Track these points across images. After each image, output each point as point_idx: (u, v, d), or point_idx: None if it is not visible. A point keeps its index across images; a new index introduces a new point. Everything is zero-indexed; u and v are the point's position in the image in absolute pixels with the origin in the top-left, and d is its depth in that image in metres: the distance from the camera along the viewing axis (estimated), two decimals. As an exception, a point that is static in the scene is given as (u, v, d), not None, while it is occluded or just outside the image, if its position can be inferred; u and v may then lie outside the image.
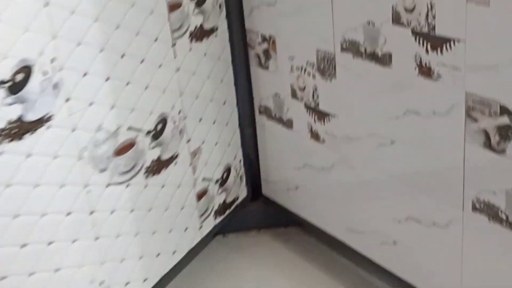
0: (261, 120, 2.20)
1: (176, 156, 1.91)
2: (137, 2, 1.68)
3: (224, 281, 2.14)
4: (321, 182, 2.04)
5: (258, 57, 2.09)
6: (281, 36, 1.96)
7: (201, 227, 2.08)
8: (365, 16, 1.64)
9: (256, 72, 2.13)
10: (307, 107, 1.96)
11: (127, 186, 1.74)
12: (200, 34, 1.93)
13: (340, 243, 2.05)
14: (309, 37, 1.85)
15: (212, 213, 2.14)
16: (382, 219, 1.84)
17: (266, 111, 2.16)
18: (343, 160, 1.90)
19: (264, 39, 2.03)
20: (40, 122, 1.46)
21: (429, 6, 1.46)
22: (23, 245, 1.47)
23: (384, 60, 1.63)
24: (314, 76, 1.89)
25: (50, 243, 1.54)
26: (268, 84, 2.10)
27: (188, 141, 1.95)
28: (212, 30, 1.99)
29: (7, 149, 1.39)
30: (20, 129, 1.41)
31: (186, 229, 2.02)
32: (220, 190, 2.15)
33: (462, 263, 1.64)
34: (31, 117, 1.44)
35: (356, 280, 2.08)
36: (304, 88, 1.95)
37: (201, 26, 1.93)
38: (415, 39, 1.53)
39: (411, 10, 1.52)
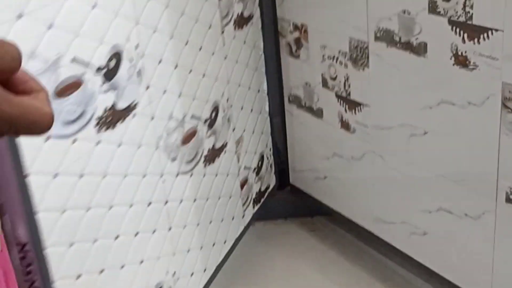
0: (290, 109, 2.20)
1: (226, 144, 1.93)
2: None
3: (251, 269, 2.14)
4: (350, 172, 2.04)
5: (289, 45, 2.09)
6: (313, 24, 1.96)
7: (243, 215, 2.10)
8: (400, 5, 1.64)
9: (286, 60, 2.13)
10: (338, 96, 1.96)
11: (191, 175, 1.75)
12: (241, 21, 1.94)
13: (368, 233, 2.05)
14: (342, 26, 1.84)
15: (251, 202, 2.16)
16: (412, 210, 1.84)
17: (295, 100, 2.16)
18: (373, 150, 1.90)
19: (296, 27, 2.03)
20: (128, 110, 1.45)
21: (467, -4, 1.46)
22: (117, 237, 1.46)
23: (419, 49, 1.63)
24: (346, 65, 1.89)
25: (136, 234, 1.53)
26: (298, 73, 2.10)
27: (234, 129, 1.97)
28: (250, 18, 2.00)
29: (104, 138, 1.37)
30: (114, 117, 1.39)
31: (233, 218, 2.04)
32: (256, 179, 2.16)
33: (494, 255, 1.64)
34: (121, 105, 1.42)
35: (384, 271, 2.08)
36: (336, 77, 1.95)
37: (241, 13, 1.94)
38: (452, 28, 1.53)
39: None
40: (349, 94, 1.92)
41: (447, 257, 1.80)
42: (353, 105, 1.92)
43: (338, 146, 2.06)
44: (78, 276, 1.32)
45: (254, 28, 2.03)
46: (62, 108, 1.23)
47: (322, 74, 2.00)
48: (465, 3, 1.47)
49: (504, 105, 1.48)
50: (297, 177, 2.31)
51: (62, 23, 1.20)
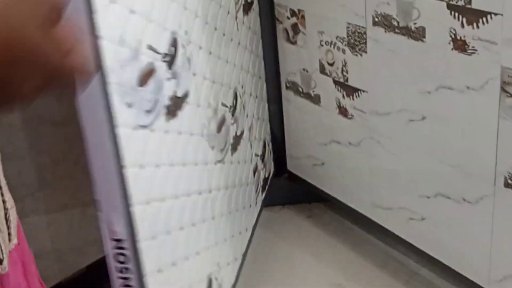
0: (287, 95, 2.19)
1: (243, 131, 1.93)
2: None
3: (250, 255, 2.14)
4: (348, 158, 2.04)
5: (286, 31, 2.07)
6: (310, 10, 1.95)
7: (256, 203, 2.11)
8: (399, -11, 1.62)
9: (283, 47, 2.12)
10: (336, 82, 1.95)
11: (223, 163, 1.74)
12: (246, 7, 1.94)
13: (366, 219, 2.06)
14: (339, 11, 1.84)
15: (261, 189, 2.17)
16: (410, 195, 1.84)
17: (293, 87, 2.15)
18: (371, 136, 1.90)
19: (293, 13, 2.02)
20: (184, 98, 1.42)
21: (467, -21, 1.44)
22: (181, 228, 1.44)
23: (418, 34, 1.62)
24: (343, 51, 1.88)
25: (193, 225, 1.52)
26: (295, 59, 2.09)
27: (247, 116, 1.96)
28: (252, 3, 1.98)
29: (170, 127, 1.35)
30: (175, 106, 1.37)
31: (250, 205, 2.05)
32: (262, 166, 2.16)
33: (492, 240, 1.65)
34: (180, 93, 1.40)
35: (382, 257, 2.09)
36: (333, 63, 1.94)
37: None
38: (450, 12, 1.52)
39: (447, -17, 1.50)
40: (346, 80, 1.91)
41: (445, 242, 1.80)
42: (351, 91, 1.91)
43: (335, 132, 2.05)
44: (159, 270, 1.31)
45: (255, 13, 2.02)
46: (143, 96, 1.21)
47: (319, 60, 1.99)
48: (464, -14, 1.46)
49: (503, 90, 1.48)
50: (295, 164, 2.31)
51: (139, 9, 1.19)
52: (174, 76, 1.36)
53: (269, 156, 2.26)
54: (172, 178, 1.37)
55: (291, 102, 2.20)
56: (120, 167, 1.15)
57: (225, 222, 1.77)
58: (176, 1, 1.37)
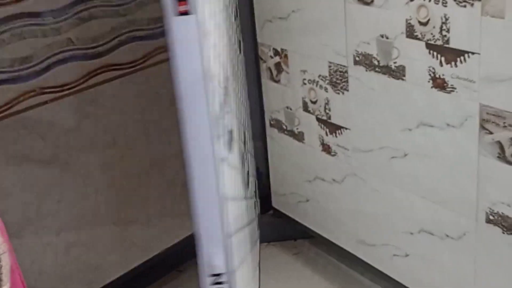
0: (272, 133, 2.21)
1: (249, 167, 1.97)
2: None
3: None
4: (332, 195, 2.04)
5: (270, 70, 2.10)
6: (293, 49, 1.98)
7: (257, 239, 2.09)
8: (378, 30, 1.66)
9: (267, 85, 2.14)
10: (319, 120, 1.97)
11: (246, 198, 1.78)
12: (240, 46, 1.98)
13: (350, 255, 2.05)
14: (321, 50, 1.86)
15: (258, 225, 2.18)
16: (394, 232, 1.85)
17: (277, 124, 2.16)
18: (354, 173, 1.91)
19: (276, 52, 2.04)
20: (232, 132, 1.45)
21: (444, 19, 1.47)
22: (241, 262, 1.44)
23: (398, 73, 1.64)
24: (326, 89, 1.89)
25: (245, 260, 1.54)
26: (279, 97, 2.11)
27: (250, 153, 1.98)
28: (240, 43, 2.01)
29: (231, 161, 1.37)
30: (231, 139, 1.40)
31: (256, 241, 2.07)
32: (256, 203, 2.16)
33: (475, 275, 1.64)
34: (231, 127, 1.43)
35: (367, 293, 2.08)
36: (316, 101, 1.95)
37: (239, 38, 1.97)
38: (429, 52, 1.54)
39: (425, 24, 1.53)
40: (329, 118, 1.93)
41: (429, 278, 1.80)
42: (334, 128, 1.93)
43: (319, 169, 2.06)
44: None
45: (243, 53, 2.06)
46: (222, 129, 1.25)
47: (302, 98, 2.01)
48: (442, 27, 1.49)
49: (482, 127, 1.49)
50: (280, 201, 2.31)
51: (216, 42, 1.24)
52: (229, 110, 1.41)
53: (258, 193, 2.26)
54: (235, 212, 1.40)
55: (275, 139, 2.21)
56: (222, 200, 1.18)
57: (251, 258, 1.79)
58: (223, 38, 1.44)
